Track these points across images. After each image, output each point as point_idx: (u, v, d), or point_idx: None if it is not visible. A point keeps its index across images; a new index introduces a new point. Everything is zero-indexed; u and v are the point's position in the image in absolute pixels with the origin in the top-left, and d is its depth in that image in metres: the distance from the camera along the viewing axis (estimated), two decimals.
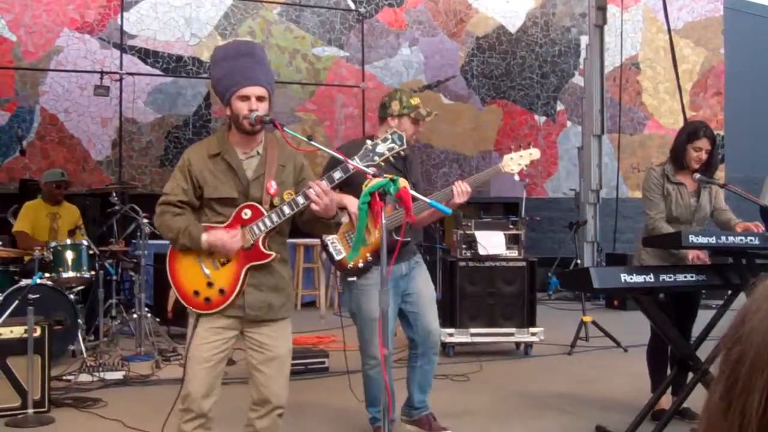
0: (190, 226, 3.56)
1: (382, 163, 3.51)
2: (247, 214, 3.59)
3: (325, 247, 4.68)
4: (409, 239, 4.68)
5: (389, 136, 3.52)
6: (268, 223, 3.56)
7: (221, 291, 3.55)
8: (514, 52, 14.52)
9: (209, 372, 3.58)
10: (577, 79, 14.52)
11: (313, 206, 3.50)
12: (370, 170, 3.44)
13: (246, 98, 3.55)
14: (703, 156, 5.18)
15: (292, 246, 10.58)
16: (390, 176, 3.37)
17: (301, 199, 3.53)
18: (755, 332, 0.90)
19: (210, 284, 3.56)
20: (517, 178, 4.75)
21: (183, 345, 7.00)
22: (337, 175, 3.54)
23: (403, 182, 3.43)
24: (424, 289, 4.80)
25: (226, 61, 3.62)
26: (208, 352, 3.57)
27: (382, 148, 3.50)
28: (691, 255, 5.03)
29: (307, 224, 3.73)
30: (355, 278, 4.62)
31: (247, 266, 3.58)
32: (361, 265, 4.54)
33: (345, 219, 4.46)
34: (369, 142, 3.53)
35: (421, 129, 4.81)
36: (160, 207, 3.64)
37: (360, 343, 4.77)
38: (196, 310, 3.59)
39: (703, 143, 5.17)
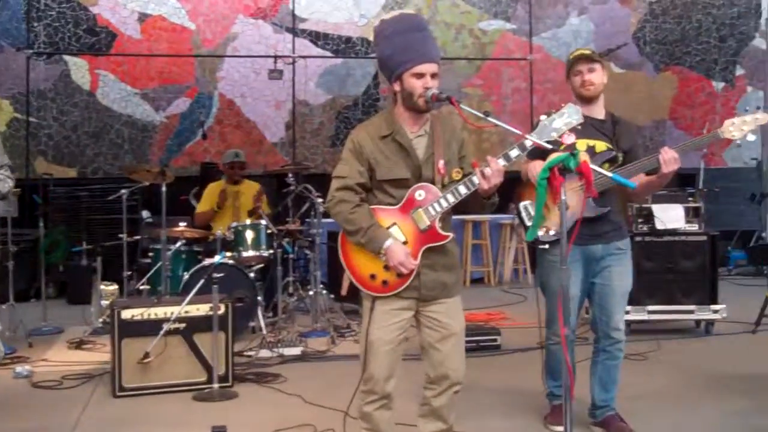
0: (373, 227, 3.53)
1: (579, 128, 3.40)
2: (421, 195, 3.56)
3: (518, 213, 4.56)
4: (608, 208, 4.41)
5: (564, 111, 3.40)
6: (444, 204, 3.54)
7: (399, 274, 3.56)
8: (689, 15, 13.83)
9: (391, 354, 3.61)
10: (759, 42, 13.68)
11: (480, 185, 3.44)
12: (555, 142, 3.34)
13: (421, 75, 3.51)
14: None
15: (461, 222, 10.60)
16: (571, 150, 3.27)
17: (476, 179, 3.46)
18: None
19: (387, 267, 3.55)
20: (739, 143, 4.32)
21: (357, 321, 7.19)
22: (514, 153, 3.46)
23: (584, 156, 3.32)
24: (617, 284, 4.49)
25: (398, 36, 3.55)
26: (390, 334, 3.60)
27: (558, 122, 3.39)
28: None
29: (462, 203, 3.61)
30: (547, 246, 4.42)
31: (424, 248, 3.58)
32: (552, 233, 4.35)
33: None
34: (544, 117, 3.43)
35: (588, 77, 4.47)
36: (338, 192, 3.61)
37: (546, 316, 4.66)
38: (373, 293, 3.60)
39: None
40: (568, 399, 3.18)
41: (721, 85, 13.89)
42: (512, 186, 4.49)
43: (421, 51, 3.54)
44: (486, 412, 5.09)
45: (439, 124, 3.68)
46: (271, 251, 7.53)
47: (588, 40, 13.41)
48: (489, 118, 3.45)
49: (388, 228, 3.57)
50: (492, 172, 3.40)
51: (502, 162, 3.44)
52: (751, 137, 4.20)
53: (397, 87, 3.60)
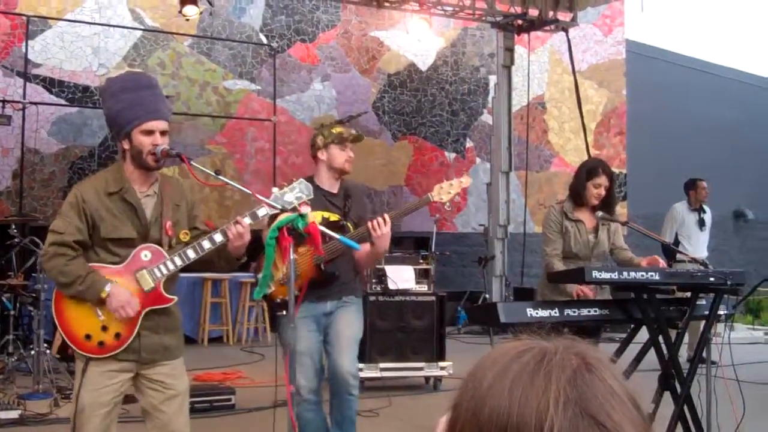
0: (92, 274, 3.39)
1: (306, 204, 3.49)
2: (147, 256, 3.48)
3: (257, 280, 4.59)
4: (334, 272, 4.53)
5: (296, 185, 3.51)
6: (171, 267, 3.48)
7: (117, 335, 3.42)
8: (425, 89, 14.70)
9: (105, 418, 3.44)
10: (486, 117, 14.78)
11: (231, 243, 3.44)
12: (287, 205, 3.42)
13: (150, 132, 3.46)
14: (603, 192, 5.33)
15: (200, 280, 10.39)
16: (299, 211, 3.36)
17: (207, 244, 3.46)
18: (465, 401, 0.96)
19: (104, 328, 3.41)
20: (448, 207, 4.64)
21: None
22: (262, 212, 3.50)
23: (311, 218, 3.41)
24: (344, 330, 4.60)
25: (126, 93, 3.50)
26: (104, 397, 3.43)
27: (290, 197, 3.49)
28: (576, 290, 5.12)
29: (206, 262, 3.60)
30: (284, 312, 4.37)
31: (146, 310, 3.48)
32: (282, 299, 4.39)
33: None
34: (276, 190, 3.51)
35: (350, 153, 4.74)
36: (52, 247, 3.43)
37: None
38: (86, 355, 3.41)
39: (603, 180, 5.31)
40: None
41: (453, 155, 14.82)
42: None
43: (151, 108, 3.50)
44: None
45: (168, 186, 3.64)
46: None
47: (330, 106, 13.84)
48: (219, 177, 3.47)
49: None
50: (240, 232, 3.42)
51: (248, 220, 3.46)
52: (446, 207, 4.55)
53: (126, 145, 3.51)
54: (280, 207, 3.44)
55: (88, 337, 3.41)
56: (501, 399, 0.92)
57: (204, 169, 3.57)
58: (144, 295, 3.46)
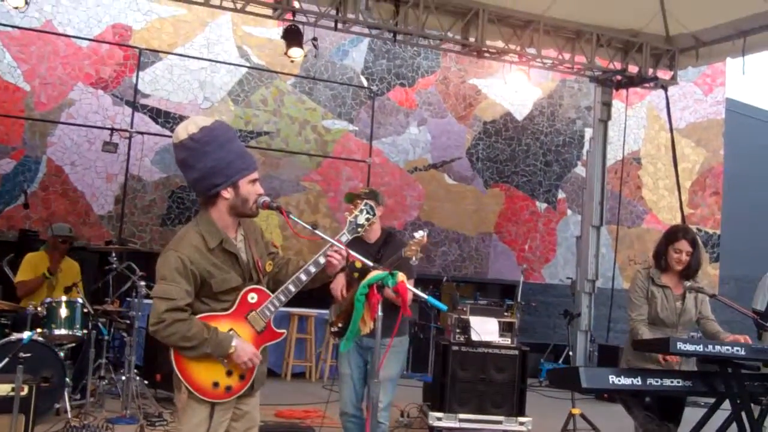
0: (214, 333, 3.44)
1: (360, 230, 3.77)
2: (253, 298, 3.58)
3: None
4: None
5: (363, 207, 3.76)
6: (277, 304, 3.60)
7: (242, 377, 3.54)
8: (520, 138, 14.73)
9: None
10: (580, 170, 14.70)
11: (332, 268, 3.63)
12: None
13: (255, 181, 3.56)
14: (684, 258, 5.28)
15: (287, 315, 10.56)
16: (389, 270, 3.48)
17: (303, 276, 3.60)
18: None
19: (230, 372, 3.51)
20: (415, 261, 5.07)
21: (170, 410, 6.99)
22: (344, 238, 3.70)
23: (401, 276, 3.52)
24: (382, 372, 5.08)
25: (232, 143, 3.54)
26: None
27: (361, 219, 3.73)
28: (660, 356, 5.16)
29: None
30: (337, 340, 5.48)
31: (262, 348, 3.61)
32: (335, 329, 5.41)
33: None
34: (348, 215, 3.76)
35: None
36: (168, 314, 3.37)
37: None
38: (215, 401, 3.50)
39: (683, 245, 5.27)
40: None
41: (544, 206, 14.75)
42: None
43: (251, 159, 3.61)
44: None
45: (245, 226, 3.73)
46: (86, 331, 7.22)
47: (425, 150, 13.98)
48: (316, 231, 3.60)
49: None
50: (343, 256, 3.63)
51: (344, 238, 3.69)
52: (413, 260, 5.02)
53: (227, 194, 3.52)
54: (369, 263, 3.61)
55: (215, 384, 3.50)
56: None
57: (301, 222, 3.69)
58: (258, 335, 3.59)
